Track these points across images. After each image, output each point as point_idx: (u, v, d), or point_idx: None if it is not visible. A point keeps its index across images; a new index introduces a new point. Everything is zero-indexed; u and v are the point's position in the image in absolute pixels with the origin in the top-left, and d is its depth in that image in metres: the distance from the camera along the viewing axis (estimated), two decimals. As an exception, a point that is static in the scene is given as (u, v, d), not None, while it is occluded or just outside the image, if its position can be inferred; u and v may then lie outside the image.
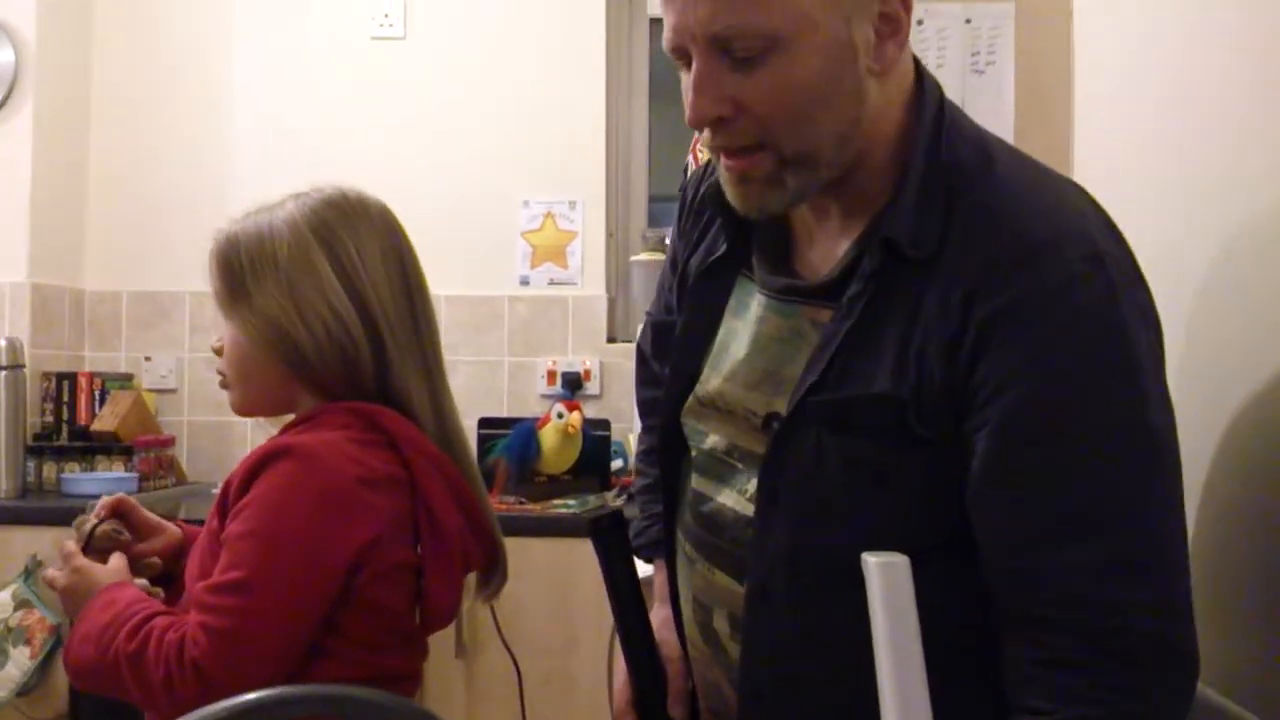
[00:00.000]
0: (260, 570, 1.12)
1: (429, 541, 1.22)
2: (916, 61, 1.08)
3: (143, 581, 1.25)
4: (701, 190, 1.21)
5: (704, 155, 2.89)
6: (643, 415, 1.42)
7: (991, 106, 1.96)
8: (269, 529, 1.14)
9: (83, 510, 1.33)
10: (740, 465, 1.10)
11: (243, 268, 1.23)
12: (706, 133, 1.00)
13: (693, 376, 1.16)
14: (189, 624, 1.12)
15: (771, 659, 1.07)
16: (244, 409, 1.30)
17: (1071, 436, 0.94)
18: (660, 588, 1.29)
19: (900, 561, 0.90)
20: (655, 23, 3.24)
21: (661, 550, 1.25)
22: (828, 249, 1.08)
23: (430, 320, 1.31)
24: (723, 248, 1.15)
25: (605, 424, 2.90)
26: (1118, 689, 0.91)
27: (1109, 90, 1.77)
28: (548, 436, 2.72)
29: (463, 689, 2.49)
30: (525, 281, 3.18)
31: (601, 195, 3.20)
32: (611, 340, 3.17)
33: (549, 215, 3.19)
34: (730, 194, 1.04)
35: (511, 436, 2.74)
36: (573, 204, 3.18)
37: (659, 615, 1.26)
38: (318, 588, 1.15)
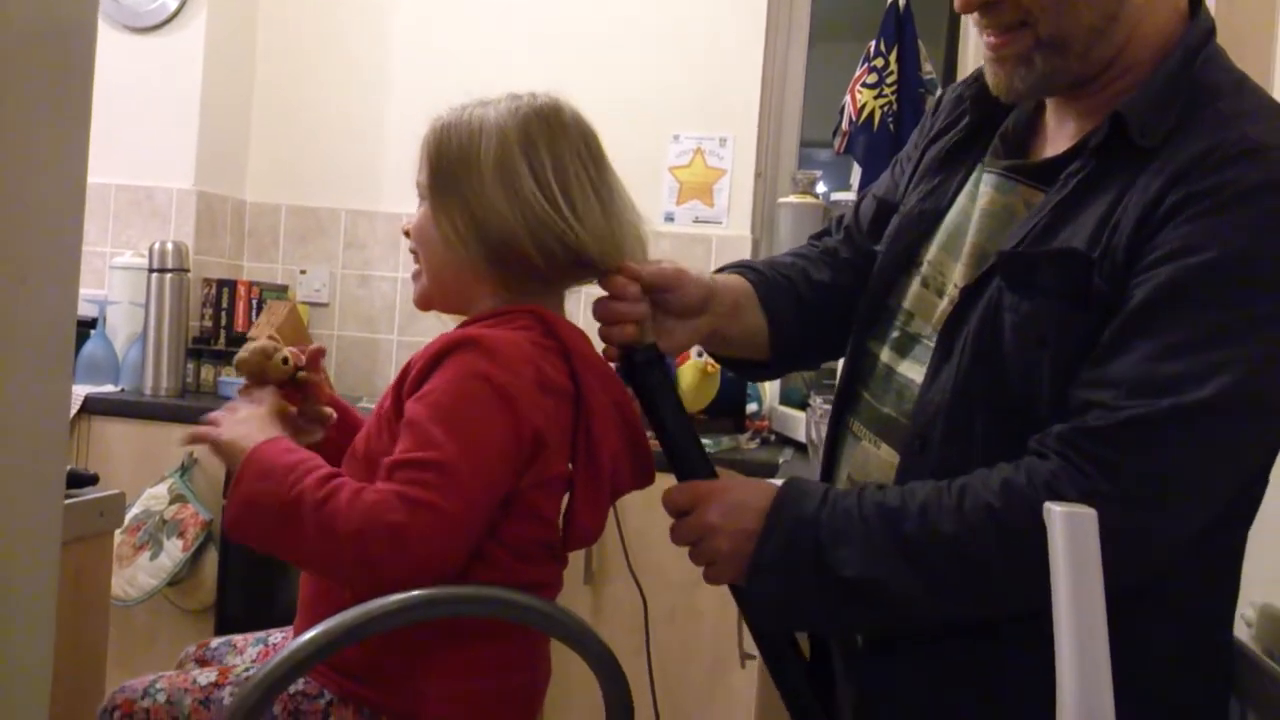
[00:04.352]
0: (455, 454, 1.13)
1: (583, 459, 1.23)
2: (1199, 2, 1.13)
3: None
4: (959, 91, 1.29)
5: (862, 97, 2.87)
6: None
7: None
8: (460, 416, 1.15)
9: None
10: (928, 340, 1.16)
11: (451, 160, 1.25)
12: (975, 15, 1.11)
13: (910, 250, 1.22)
14: (382, 491, 1.12)
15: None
16: (425, 299, 1.32)
17: (1212, 309, 0.97)
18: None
19: (1087, 514, 0.87)
20: (821, -41, 3.16)
21: (748, 272, 1.38)
22: (1063, 144, 1.13)
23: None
24: (963, 131, 1.24)
25: (744, 365, 2.87)
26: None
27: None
28: (686, 374, 2.72)
29: (590, 615, 2.52)
30: (670, 218, 3.16)
31: (753, 134, 3.15)
32: (754, 282, 3.14)
33: (699, 151, 3.16)
34: (988, 74, 1.14)
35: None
36: (723, 141, 3.15)
37: None
38: (500, 478, 1.17)
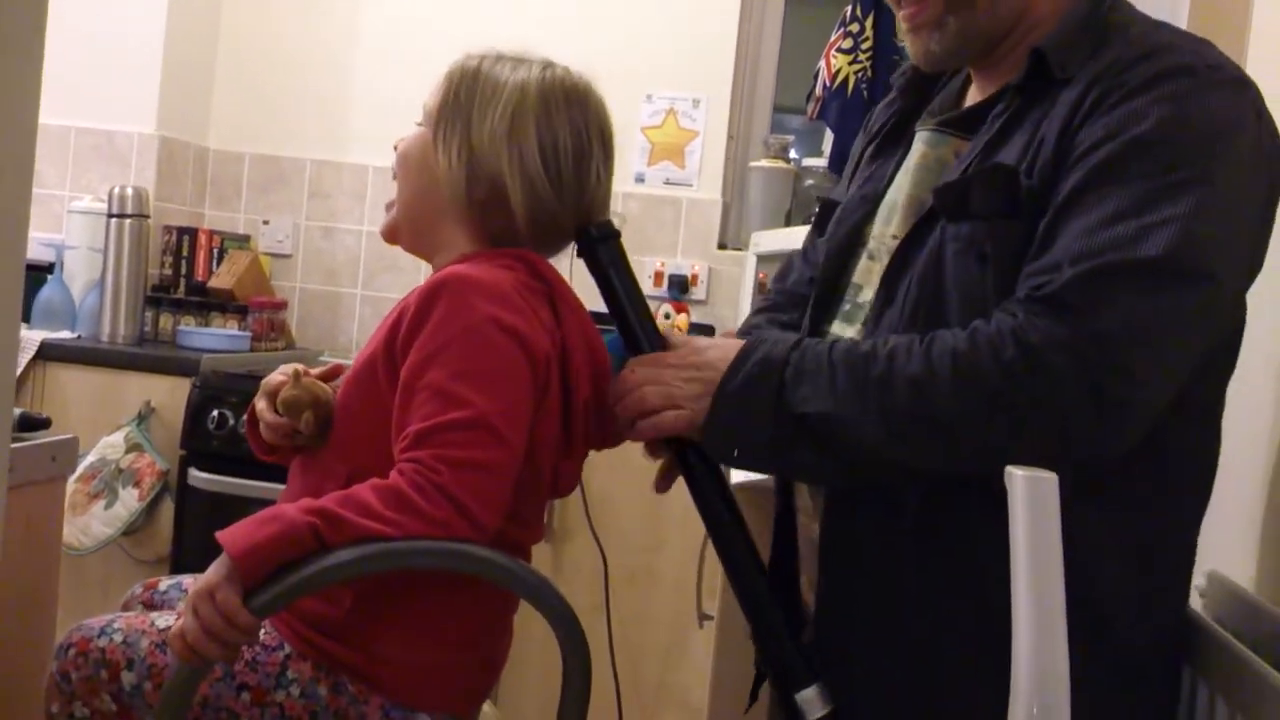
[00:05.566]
0: (485, 407, 1.12)
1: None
2: None
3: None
4: (892, 94, 1.33)
5: (836, 62, 2.85)
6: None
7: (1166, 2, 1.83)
8: (479, 369, 1.14)
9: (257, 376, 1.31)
10: (870, 304, 1.18)
11: (469, 99, 1.25)
12: None
13: (855, 233, 1.24)
14: (419, 458, 1.10)
15: None
16: (391, 229, 1.31)
17: (1139, 180, 1.00)
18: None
19: (1048, 478, 0.87)
20: (800, -79, 3.13)
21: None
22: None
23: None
24: (896, 116, 1.29)
25: (710, 330, 2.87)
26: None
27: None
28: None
29: (549, 574, 2.51)
30: (640, 179, 3.14)
31: (726, 96, 3.13)
32: (723, 246, 3.13)
33: (671, 111, 3.13)
34: (908, 47, 1.20)
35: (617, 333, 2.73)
36: (696, 102, 3.12)
37: None
38: (527, 414, 1.17)
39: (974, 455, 1.02)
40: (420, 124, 1.30)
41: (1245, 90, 1.06)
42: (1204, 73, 1.04)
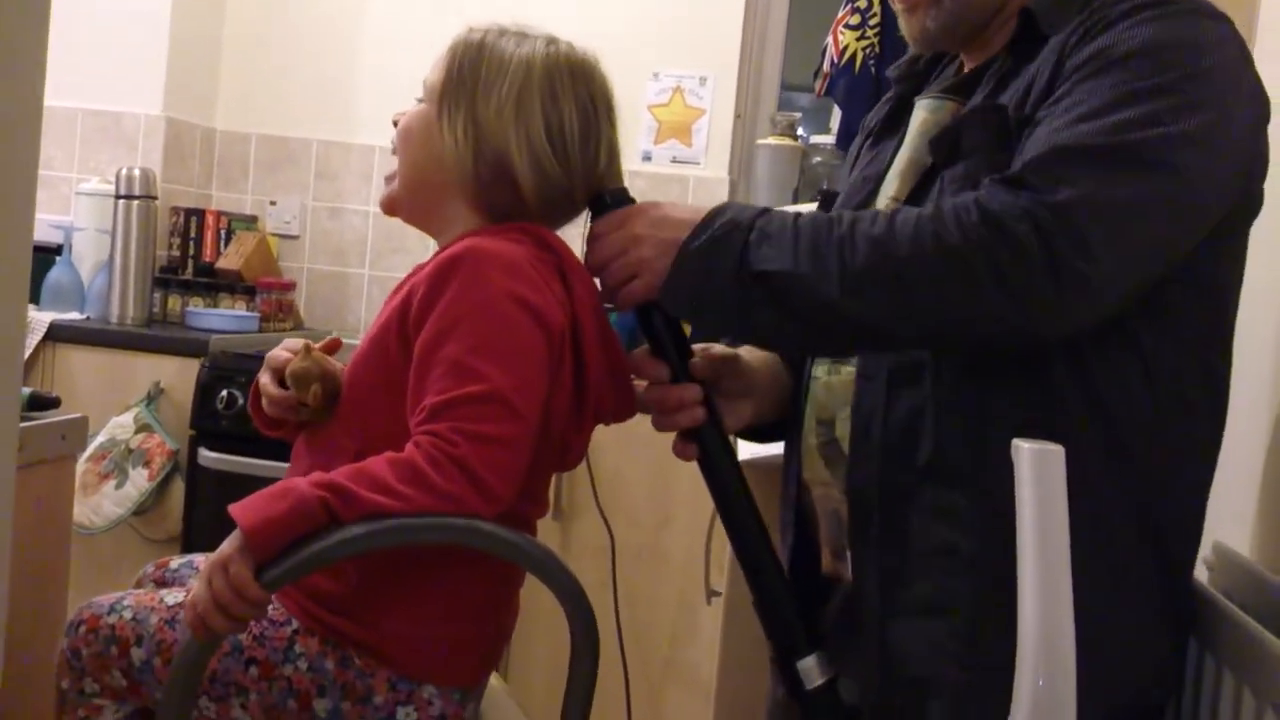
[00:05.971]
0: (501, 382, 1.13)
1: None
2: None
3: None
4: (889, 92, 1.36)
5: (844, 38, 2.83)
6: None
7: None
8: (496, 344, 1.14)
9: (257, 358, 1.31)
10: None
11: (473, 77, 1.25)
12: None
13: (862, 209, 1.22)
14: (436, 430, 1.11)
15: (886, 382, 1.14)
16: (391, 201, 1.31)
17: (1110, 88, 1.02)
18: None
19: (1055, 451, 0.87)
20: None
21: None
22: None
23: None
24: (892, 102, 1.31)
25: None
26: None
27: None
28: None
29: (557, 551, 2.53)
30: (647, 157, 3.13)
31: (733, 73, 3.12)
32: (729, 224, 3.12)
33: (678, 90, 3.12)
34: (904, 30, 1.23)
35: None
36: (703, 80, 3.11)
37: None
38: (543, 388, 1.17)
39: (930, 317, 1.02)
40: (421, 100, 1.30)
41: (1237, 34, 1.08)
42: (1190, 4, 1.07)
